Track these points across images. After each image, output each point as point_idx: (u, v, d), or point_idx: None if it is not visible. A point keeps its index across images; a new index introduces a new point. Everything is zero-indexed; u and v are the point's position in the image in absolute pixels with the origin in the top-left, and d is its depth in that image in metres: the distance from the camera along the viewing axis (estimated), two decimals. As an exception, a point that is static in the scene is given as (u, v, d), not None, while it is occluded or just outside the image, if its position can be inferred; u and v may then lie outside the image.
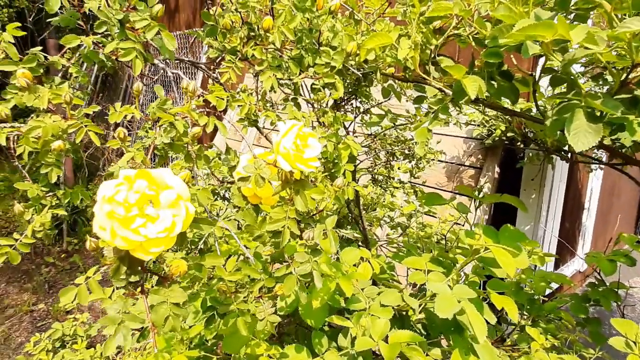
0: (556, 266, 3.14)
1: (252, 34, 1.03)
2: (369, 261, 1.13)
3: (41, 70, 0.81)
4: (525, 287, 1.34)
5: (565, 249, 3.11)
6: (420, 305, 1.04)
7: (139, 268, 0.56)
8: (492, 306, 1.01)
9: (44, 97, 0.72)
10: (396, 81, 1.21)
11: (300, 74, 1.02)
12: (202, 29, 1.09)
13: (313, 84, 1.06)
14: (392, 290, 1.07)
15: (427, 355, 0.94)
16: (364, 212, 1.94)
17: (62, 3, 0.83)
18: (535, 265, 1.38)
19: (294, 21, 0.97)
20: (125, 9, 0.84)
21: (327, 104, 1.15)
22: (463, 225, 2.17)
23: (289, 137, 0.65)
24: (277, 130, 0.67)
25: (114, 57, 0.88)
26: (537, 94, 0.90)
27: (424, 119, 0.96)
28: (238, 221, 1.13)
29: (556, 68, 0.84)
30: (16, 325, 3.19)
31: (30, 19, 5.04)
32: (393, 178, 2.08)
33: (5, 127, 0.71)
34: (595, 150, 2.16)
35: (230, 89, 1.04)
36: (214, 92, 0.89)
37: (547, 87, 0.90)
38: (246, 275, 0.87)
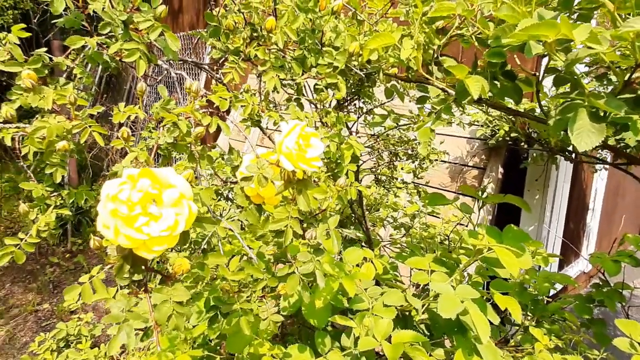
0: (560, 267, 3.13)
1: (255, 34, 1.03)
2: (372, 261, 1.13)
3: (46, 71, 0.81)
4: (529, 288, 1.34)
5: (570, 250, 3.10)
6: (423, 306, 1.04)
7: (142, 267, 0.56)
8: (495, 307, 1.01)
9: (48, 98, 0.72)
10: (399, 81, 1.21)
11: (303, 74, 1.03)
12: (205, 29, 1.09)
13: (316, 84, 1.06)
14: (395, 291, 1.06)
15: (430, 355, 0.94)
16: (367, 212, 1.93)
17: (66, 4, 0.84)
18: (539, 266, 1.37)
19: (296, 22, 0.97)
20: (129, 10, 0.85)
21: (330, 104, 1.16)
22: (466, 226, 2.16)
23: (291, 137, 0.65)
24: (280, 131, 0.68)
25: (117, 58, 0.88)
26: (540, 94, 0.90)
27: (427, 119, 0.96)
28: (241, 221, 1.14)
29: (560, 68, 0.84)
30: (21, 325, 3.21)
31: (35, 21, 5.07)
32: (396, 178, 2.07)
33: (10, 127, 0.72)
34: (600, 151, 2.15)
35: (234, 90, 1.04)
36: (217, 93, 0.89)
37: (551, 87, 0.90)
38: (249, 274, 0.88)
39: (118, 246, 0.54)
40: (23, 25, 0.80)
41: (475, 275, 1.13)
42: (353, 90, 1.24)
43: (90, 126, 0.74)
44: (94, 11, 0.86)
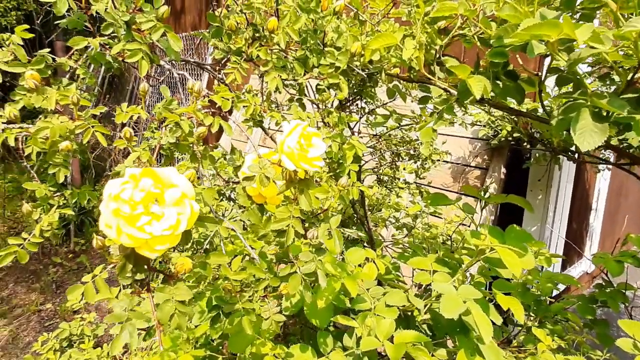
0: (563, 267, 3.12)
1: (257, 35, 1.03)
2: (374, 261, 1.13)
3: (49, 72, 0.82)
4: (531, 288, 1.33)
5: (573, 250, 3.09)
6: (425, 306, 1.04)
7: (145, 266, 0.57)
8: (498, 307, 1.01)
9: (51, 99, 0.72)
10: (401, 81, 1.21)
11: (305, 74, 1.03)
12: (207, 30, 1.09)
13: (318, 84, 1.06)
14: (398, 291, 1.06)
15: (432, 355, 0.94)
16: (369, 212, 1.93)
17: (69, 5, 0.84)
18: (542, 267, 1.37)
19: (298, 22, 0.97)
20: (132, 10, 0.85)
21: (332, 105, 1.16)
22: (469, 226, 2.16)
23: (293, 137, 0.65)
24: (282, 131, 0.68)
25: (120, 59, 0.88)
26: (543, 94, 0.90)
27: (429, 119, 0.96)
28: (243, 221, 1.14)
29: (562, 68, 0.84)
30: (24, 324, 3.22)
31: (38, 22, 5.09)
32: (398, 179, 2.07)
33: (14, 128, 0.72)
34: (603, 151, 2.14)
35: (236, 90, 1.04)
36: (220, 93, 0.89)
37: (554, 87, 0.90)
38: (251, 274, 0.88)
39: (120, 245, 0.54)
40: (26, 26, 0.80)
41: (478, 275, 1.13)
42: (355, 90, 1.24)
43: (93, 126, 0.74)
44: (96, 12, 0.86)
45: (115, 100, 5.89)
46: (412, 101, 1.31)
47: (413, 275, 1.11)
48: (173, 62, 1.26)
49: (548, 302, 1.31)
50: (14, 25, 4.97)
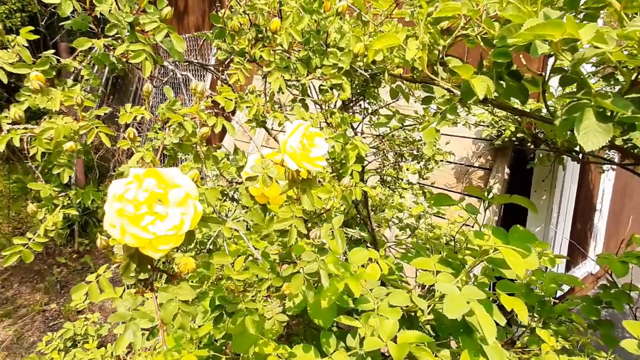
0: (567, 268, 3.11)
1: (260, 35, 1.04)
2: (377, 262, 1.13)
3: (54, 73, 0.82)
4: (535, 289, 1.33)
5: (577, 251, 3.07)
6: (429, 306, 1.03)
7: (148, 266, 0.57)
8: (501, 308, 1.01)
9: (56, 100, 0.73)
10: (404, 82, 1.21)
11: (307, 75, 1.03)
12: (210, 31, 1.10)
13: (321, 85, 1.06)
14: (401, 291, 1.06)
15: (436, 356, 0.94)
16: (373, 213, 1.93)
17: (74, 7, 0.85)
18: (546, 267, 1.36)
19: (301, 23, 0.97)
20: (135, 12, 0.85)
21: (334, 105, 1.16)
22: (472, 227, 2.15)
23: (295, 137, 0.65)
24: (285, 131, 0.68)
25: (124, 60, 0.89)
26: (546, 94, 0.90)
27: (432, 120, 0.96)
28: (247, 222, 1.14)
29: (566, 68, 0.84)
30: (28, 324, 3.24)
31: (43, 23, 5.12)
32: (401, 179, 2.07)
33: (19, 128, 0.73)
34: (607, 151, 2.13)
35: (239, 91, 1.04)
36: (223, 94, 0.89)
37: (558, 87, 0.90)
38: (254, 274, 0.88)
39: (124, 245, 0.55)
40: (31, 28, 0.80)
41: (481, 276, 1.13)
42: (358, 90, 1.25)
43: (97, 127, 0.74)
44: (100, 13, 0.87)
45: (118, 101, 5.91)
46: (415, 101, 1.31)
47: (416, 276, 1.11)
48: (176, 62, 1.26)
49: (552, 303, 1.31)
50: (18, 26, 5.00)
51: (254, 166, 0.66)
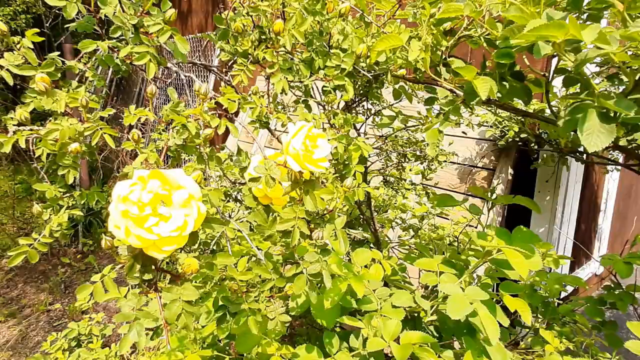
0: (571, 269, 3.10)
1: (264, 37, 1.04)
2: (380, 262, 1.13)
3: (59, 75, 0.83)
4: (539, 290, 1.33)
5: (581, 252, 3.06)
6: (432, 307, 1.03)
7: (153, 266, 0.57)
8: (505, 309, 1.01)
9: (61, 101, 0.73)
10: (407, 83, 1.21)
11: (310, 76, 1.03)
12: (214, 32, 1.10)
13: (324, 86, 1.06)
14: (404, 292, 1.06)
15: (439, 356, 0.94)
16: (376, 213, 1.93)
17: (79, 9, 0.85)
18: (550, 268, 1.36)
19: (304, 24, 0.98)
20: (139, 14, 0.86)
21: (338, 106, 1.16)
22: (476, 227, 2.15)
23: (298, 138, 0.66)
24: (288, 132, 0.68)
25: (128, 61, 0.89)
26: (550, 95, 0.90)
27: (435, 120, 0.96)
28: (250, 222, 1.14)
29: (569, 68, 0.84)
30: (33, 324, 3.25)
31: (47, 25, 5.14)
32: (405, 180, 2.07)
33: (24, 129, 0.73)
34: (612, 151, 2.13)
35: (242, 92, 1.05)
36: (226, 95, 0.90)
37: (561, 88, 0.90)
38: (257, 275, 0.88)
39: (129, 246, 0.55)
40: (37, 30, 0.81)
41: (485, 276, 1.13)
42: (361, 91, 1.25)
43: (101, 128, 0.75)
44: (105, 15, 0.87)
45: (122, 102, 5.94)
46: (418, 102, 1.31)
47: (419, 277, 1.11)
48: (180, 64, 1.27)
49: (556, 304, 1.31)
50: (23, 28, 5.03)
51: (257, 167, 0.66)
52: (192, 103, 4.00)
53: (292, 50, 1.02)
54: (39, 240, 0.77)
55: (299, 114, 1.01)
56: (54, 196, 0.84)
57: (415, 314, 1.10)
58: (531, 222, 2.69)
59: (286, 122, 0.97)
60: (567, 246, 2.82)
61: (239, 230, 0.85)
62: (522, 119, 2.28)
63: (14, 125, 0.74)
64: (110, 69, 0.92)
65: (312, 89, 1.12)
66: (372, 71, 1.10)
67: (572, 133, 0.74)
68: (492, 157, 2.67)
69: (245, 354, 1.02)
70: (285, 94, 1.01)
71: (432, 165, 2.02)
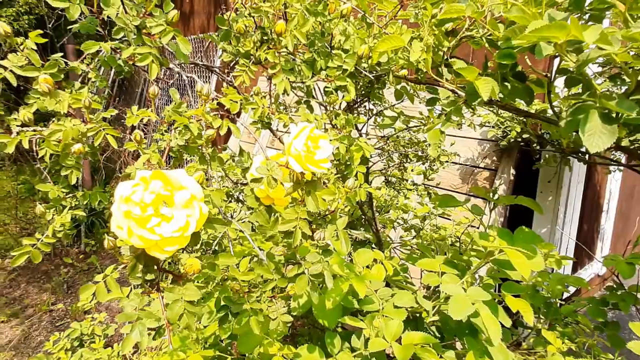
0: (574, 269, 3.09)
1: (266, 38, 1.04)
2: (382, 263, 1.13)
3: (62, 76, 0.83)
4: (541, 290, 1.32)
5: (583, 252, 3.05)
6: (434, 307, 1.03)
7: (155, 267, 0.57)
8: (507, 309, 1.01)
9: (64, 102, 0.74)
10: (409, 83, 1.21)
11: (312, 77, 1.03)
12: (216, 33, 1.10)
13: (325, 86, 1.06)
14: (406, 292, 1.06)
15: (440, 357, 0.94)
16: (377, 214, 1.93)
17: (81, 10, 0.86)
18: (552, 269, 1.36)
19: (306, 25, 0.98)
20: (142, 15, 0.86)
21: (339, 107, 1.16)
22: (478, 228, 2.15)
23: (300, 139, 0.66)
24: (290, 132, 0.68)
25: (131, 62, 0.90)
26: (552, 95, 0.90)
27: (437, 121, 0.96)
28: (252, 223, 1.15)
29: (571, 69, 0.83)
30: (36, 324, 3.26)
31: (50, 25, 5.16)
32: (406, 180, 2.07)
33: (28, 130, 0.74)
34: (614, 152, 2.12)
35: (244, 92, 1.05)
36: (228, 95, 0.90)
37: (563, 88, 0.90)
38: (259, 275, 0.88)
39: (131, 246, 0.55)
40: (40, 32, 0.81)
41: (487, 277, 1.13)
42: (363, 92, 1.25)
43: (104, 129, 0.75)
44: (107, 16, 0.88)
45: (124, 102, 5.95)
46: (420, 102, 1.31)
47: (421, 277, 1.11)
48: (182, 64, 1.27)
49: (558, 305, 1.30)
50: (26, 29, 5.04)
51: (259, 168, 0.66)
52: (194, 104, 4.00)
53: (294, 51, 1.02)
54: (42, 241, 0.77)
55: (301, 115, 1.01)
56: (57, 196, 0.85)
57: (417, 315, 1.10)
58: (533, 222, 2.68)
59: (288, 122, 0.97)
60: (570, 247, 2.81)
61: (240, 231, 0.85)
62: (524, 119, 2.28)
63: (17, 126, 0.75)
64: (112, 70, 0.92)
65: (314, 89, 1.12)
66: (374, 72, 1.10)
67: (574, 133, 0.74)
68: (494, 158, 2.67)
69: (247, 354, 1.03)
70: (287, 95, 1.01)
71: (434, 165, 2.02)
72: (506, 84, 0.92)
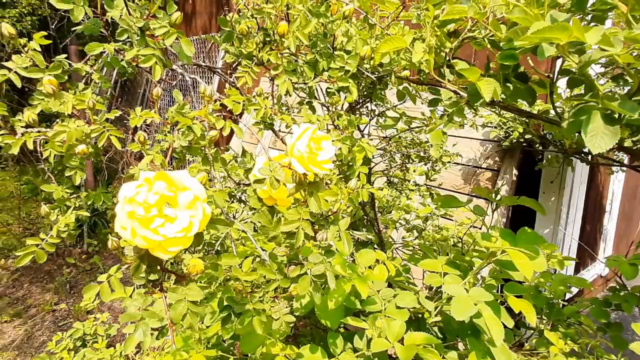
0: (576, 270, 3.08)
1: (268, 39, 1.05)
2: (384, 263, 1.13)
3: (66, 77, 0.84)
4: (544, 291, 1.32)
5: (586, 253, 3.05)
6: (436, 308, 1.03)
7: (158, 267, 0.58)
8: (509, 310, 1.01)
9: (68, 103, 0.74)
10: (411, 84, 1.21)
11: (315, 78, 1.04)
12: (218, 34, 1.11)
13: (328, 87, 1.07)
14: (408, 293, 1.07)
15: (443, 357, 0.94)
16: (380, 214, 1.93)
17: (85, 12, 0.86)
18: (555, 269, 1.36)
19: (308, 26, 0.98)
20: (145, 17, 0.87)
21: (342, 107, 1.16)
22: (480, 228, 2.15)
23: (302, 140, 0.66)
24: (292, 133, 0.69)
25: (134, 64, 0.90)
26: (554, 96, 0.90)
27: (439, 122, 0.96)
28: (254, 223, 1.15)
29: (574, 69, 0.83)
30: (38, 324, 3.27)
31: (53, 26, 5.18)
32: (408, 180, 2.07)
33: (32, 131, 0.74)
34: (617, 152, 2.11)
35: (247, 93, 1.05)
36: (231, 96, 0.90)
37: (566, 89, 0.90)
38: (262, 275, 0.89)
39: (135, 247, 0.56)
40: (44, 33, 0.82)
41: (489, 278, 1.13)
42: (365, 93, 1.25)
43: (108, 130, 0.76)
44: (111, 18, 0.88)
45: (127, 103, 5.97)
46: (422, 103, 1.32)
47: (424, 278, 1.11)
48: (185, 65, 1.28)
49: (561, 305, 1.30)
50: (29, 30, 5.07)
51: (262, 169, 0.67)
52: (196, 104, 4.01)
53: (296, 52, 1.03)
54: (46, 241, 0.78)
55: (303, 116, 1.02)
56: (62, 197, 0.85)
57: (420, 315, 1.10)
58: (536, 223, 2.68)
59: (290, 123, 0.97)
60: (572, 247, 2.80)
61: (243, 231, 0.86)
62: (527, 120, 2.28)
63: (21, 127, 0.75)
64: (115, 71, 0.93)
65: (316, 90, 1.12)
66: (376, 73, 1.10)
67: (577, 134, 0.74)
68: (497, 158, 2.66)
69: (249, 354, 1.03)
70: (290, 96, 1.02)
71: (436, 166, 2.02)
72: (508, 84, 0.92)
